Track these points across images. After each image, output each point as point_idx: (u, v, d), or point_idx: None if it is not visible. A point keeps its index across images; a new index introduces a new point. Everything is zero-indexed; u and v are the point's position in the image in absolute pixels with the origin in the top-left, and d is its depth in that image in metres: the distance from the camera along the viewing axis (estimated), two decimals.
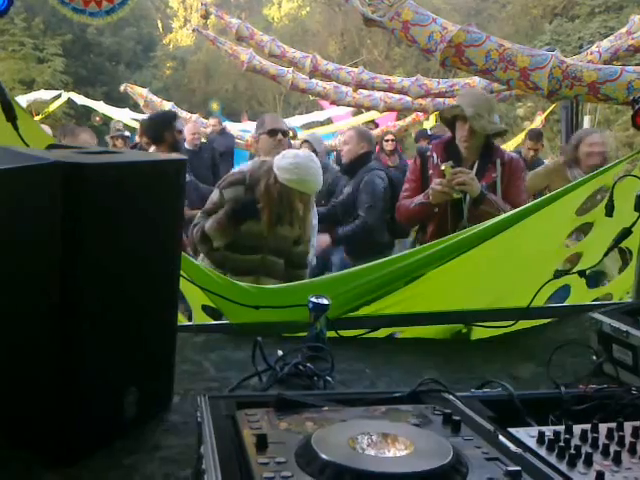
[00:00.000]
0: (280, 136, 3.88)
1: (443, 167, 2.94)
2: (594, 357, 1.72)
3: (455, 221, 2.99)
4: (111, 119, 12.95)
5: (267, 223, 3.11)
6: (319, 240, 4.52)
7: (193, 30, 12.06)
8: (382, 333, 2.13)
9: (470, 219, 2.90)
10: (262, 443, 0.93)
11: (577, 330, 2.12)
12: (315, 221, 4.20)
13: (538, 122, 11.77)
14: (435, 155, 3.15)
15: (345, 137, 4.91)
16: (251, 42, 6.68)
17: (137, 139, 5.24)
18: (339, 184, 4.87)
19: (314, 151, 5.04)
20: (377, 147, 9.17)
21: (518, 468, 0.87)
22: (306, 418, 1.06)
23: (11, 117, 1.73)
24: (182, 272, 1.67)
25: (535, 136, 6.65)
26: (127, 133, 9.09)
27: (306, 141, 5.10)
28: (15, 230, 1.22)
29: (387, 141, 8.50)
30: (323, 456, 0.87)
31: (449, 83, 6.33)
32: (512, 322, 2.06)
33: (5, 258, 1.25)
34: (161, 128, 4.53)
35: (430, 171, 3.11)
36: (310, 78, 6.68)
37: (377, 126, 10.94)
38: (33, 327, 1.23)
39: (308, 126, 15.25)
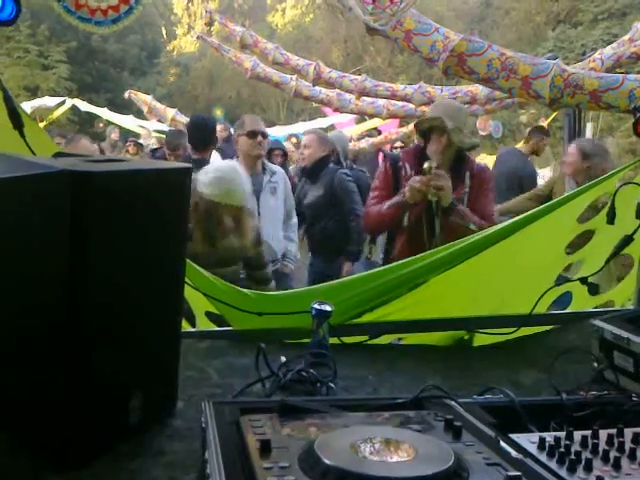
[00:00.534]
0: (260, 138, 3.92)
1: (425, 165, 2.89)
2: (595, 364, 1.73)
3: (430, 234, 2.96)
4: (115, 126, 13.00)
5: (200, 242, 3.01)
6: (345, 269, 4.69)
7: (197, 37, 12.10)
8: (385, 340, 2.14)
9: (443, 232, 2.90)
10: (266, 448, 0.94)
11: (579, 337, 2.13)
12: (295, 219, 4.32)
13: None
14: (407, 165, 3.11)
15: (305, 141, 4.94)
16: (255, 50, 6.71)
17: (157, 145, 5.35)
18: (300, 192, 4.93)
19: (336, 151, 5.10)
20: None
21: (519, 473, 0.88)
22: (309, 424, 1.07)
23: (18, 125, 1.76)
24: (186, 279, 1.68)
25: (538, 133, 6.62)
26: (141, 140, 9.13)
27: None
28: (23, 237, 1.23)
29: (396, 149, 8.52)
30: (326, 461, 0.88)
31: (452, 90, 6.35)
32: (514, 329, 2.07)
33: (13, 265, 1.26)
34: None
35: (403, 182, 3.03)
36: (313, 85, 6.70)
37: (380, 133, 10.96)
38: (39, 333, 1.24)
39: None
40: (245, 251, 3.30)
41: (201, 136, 4.64)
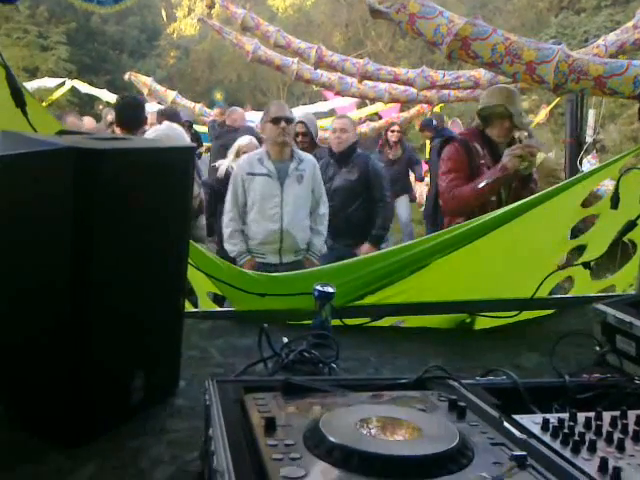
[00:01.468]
0: (283, 124, 3.88)
1: (517, 135, 3.13)
2: (597, 348, 1.73)
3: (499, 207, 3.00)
4: (112, 107, 12.90)
5: None
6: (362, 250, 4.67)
7: (198, 20, 12.04)
8: (387, 322, 2.14)
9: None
10: (271, 426, 0.94)
11: (580, 321, 2.13)
12: (324, 209, 4.23)
13: (542, 115, 11.72)
14: (477, 145, 3.24)
15: (341, 125, 4.91)
16: (256, 32, 6.66)
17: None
18: (327, 171, 4.87)
19: (309, 132, 5.04)
20: (380, 139, 9.17)
21: (524, 453, 0.88)
22: (313, 402, 1.07)
23: (20, 103, 1.74)
24: (189, 259, 1.68)
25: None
26: None
27: (301, 122, 5.10)
28: (27, 214, 1.23)
29: (393, 132, 8.45)
30: (331, 438, 0.88)
31: (454, 75, 6.32)
32: (516, 312, 2.07)
33: (18, 242, 1.26)
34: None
35: (482, 161, 3.18)
36: (315, 69, 6.66)
37: (381, 118, 10.92)
38: (43, 311, 1.24)
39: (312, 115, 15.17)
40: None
41: (133, 116, 4.59)
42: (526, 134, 3.18)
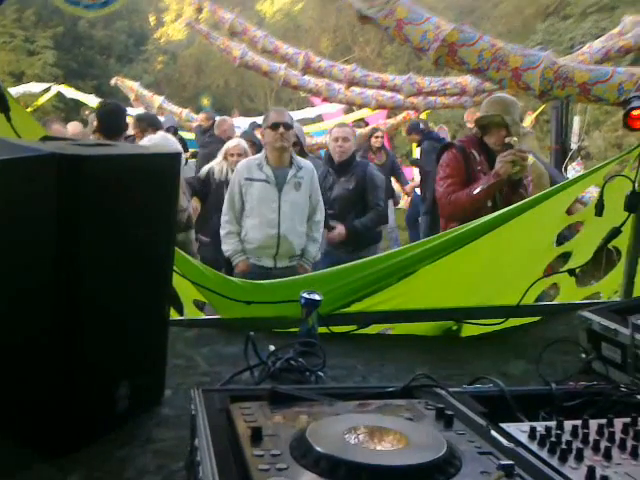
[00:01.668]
0: (282, 129, 3.89)
1: (508, 140, 3.16)
2: (583, 355, 1.73)
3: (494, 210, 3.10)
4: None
5: None
6: (335, 230, 4.71)
7: (186, 24, 12.01)
8: (373, 329, 2.13)
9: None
10: (257, 436, 0.93)
11: (566, 328, 2.13)
12: (320, 216, 4.24)
13: (528, 122, 11.79)
14: (475, 152, 3.31)
15: (343, 134, 4.90)
16: (244, 37, 6.67)
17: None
18: (325, 180, 4.89)
19: (299, 142, 5.06)
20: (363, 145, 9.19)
21: (511, 462, 0.88)
22: (300, 412, 1.07)
23: (4, 109, 1.73)
24: (174, 267, 1.66)
25: None
26: None
27: None
28: (11, 221, 1.21)
29: (376, 137, 8.48)
30: (318, 449, 0.87)
31: (441, 82, 6.35)
32: (502, 320, 2.07)
33: (1, 248, 1.24)
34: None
35: (478, 168, 3.26)
36: (303, 75, 6.67)
37: (367, 124, 10.94)
38: (24, 320, 1.23)
39: (299, 123, 15.20)
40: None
41: (115, 122, 4.57)
42: (516, 139, 3.22)
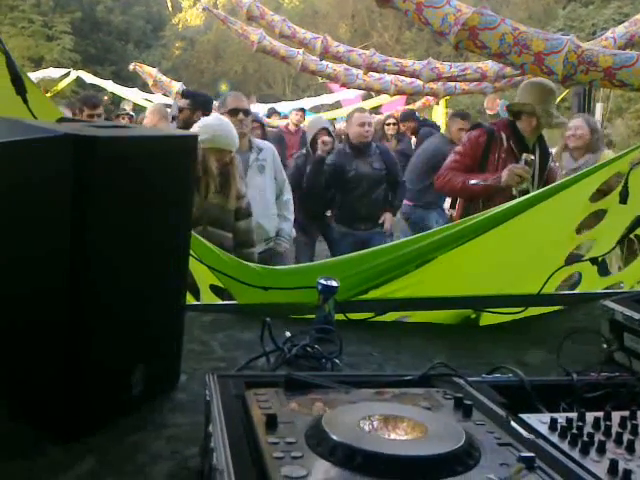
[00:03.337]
0: (241, 115, 3.86)
1: (526, 156, 3.17)
2: (605, 345, 1.70)
3: None
4: (120, 98, 12.88)
5: (199, 192, 3.20)
6: (386, 222, 5.19)
7: (203, 9, 11.98)
8: (390, 317, 2.11)
9: None
10: (272, 423, 0.92)
11: (587, 318, 2.10)
12: (288, 195, 4.27)
13: None
14: (504, 135, 3.33)
15: (369, 119, 5.23)
16: (262, 22, 6.60)
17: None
18: (345, 164, 5.06)
19: (333, 137, 5.29)
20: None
21: (532, 454, 0.86)
22: (315, 399, 1.05)
23: (21, 90, 1.72)
24: (190, 251, 1.65)
25: (465, 116, 6.55)
26: (132, 113, 9.10)
27: (324, 128, 5.37)
28: (24, 203, 1.20)
29: (389, 125, 8.45)
30: (334, 437, 0.85)
31: (461, 67, 6.25)
32: (522, 309, 2.04)
33: (14, 231, 1.23)
34: None
35: (502, 155, 3.30)
36: (320, 60, 6.61)
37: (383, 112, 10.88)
38: (40, 303, 1.22)
39: (316, 109, 15.20)
40: (239, 218, 3.41)
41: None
42: (532, 157, 3.23)
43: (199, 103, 4.94)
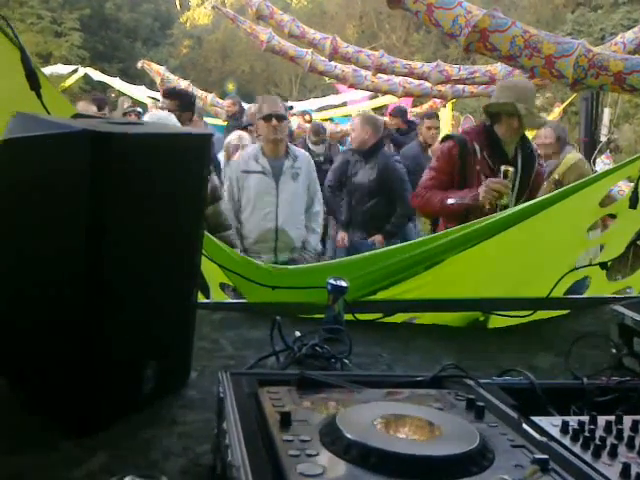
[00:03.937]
0: (275, 121, 3.83)
1: (504, 168, 2.89)
2: (614, 350, 1.70)
3: None
4: (127, 96, 12.89)
5: None
6: (375, 240, 4.92)
7: (212, 7, 12.01)
8: (399, 318, 2.11)
9: None
10: (286, 421, 0.92)
11: (596, 322, 2.10)
12: (319, 207, 4.22)
13: (556, 114, 11.63)
14: (477, 146, 3.05)
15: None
16: (271, 21, 6.62)
17: None
18: (349, 168, 5.03)
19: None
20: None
21: (546, 456, 0.86)
22: (329, 398, 1.05)
23: (35, 86, 1.72)
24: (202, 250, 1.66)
25: (431, 115, 6.51)
26: (139, 109, 9.12)
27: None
28: (41, 199, 1.21)
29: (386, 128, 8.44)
30: (349, 436, 0.86)
31: (470, 70, 6.27)
32: (530, 312, 2.04)
33: (30, 224, 1.24)
34: None
35: (477, 167, 3.02)
36: (329, 60, 6.63)
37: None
38: (54, 299, 1.23)
39: (323, 109, 15.22)
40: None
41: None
42: (511, 169, 2.90)
43: (186, 104, 4.63)
